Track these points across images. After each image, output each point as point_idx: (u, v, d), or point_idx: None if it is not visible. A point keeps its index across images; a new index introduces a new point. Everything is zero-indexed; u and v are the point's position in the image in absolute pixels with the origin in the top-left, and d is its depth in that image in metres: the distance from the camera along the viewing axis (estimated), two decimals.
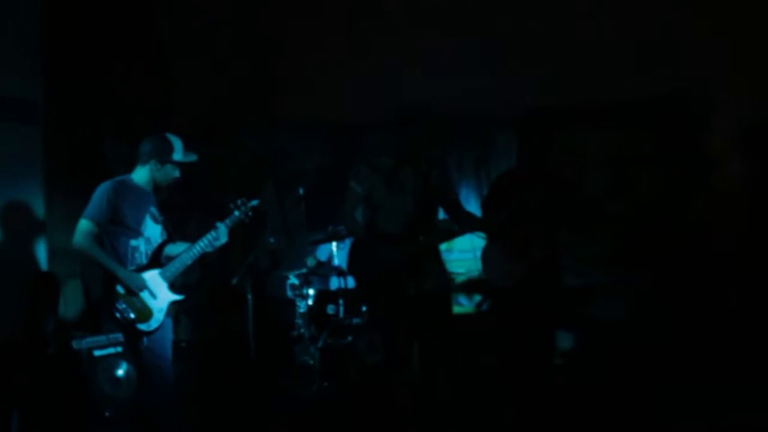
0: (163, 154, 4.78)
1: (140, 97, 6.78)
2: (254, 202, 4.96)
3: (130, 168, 4.92)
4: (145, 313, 4.73)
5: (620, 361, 6.09)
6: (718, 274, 6.34)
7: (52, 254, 6.16)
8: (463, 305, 7.00)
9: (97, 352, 5.04)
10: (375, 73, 6.92)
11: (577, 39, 6.66)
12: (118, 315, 4.66)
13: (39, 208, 6.16)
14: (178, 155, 4.81)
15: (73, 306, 6.10)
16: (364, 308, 6.18)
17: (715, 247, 6.48)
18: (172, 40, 7.17)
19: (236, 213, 4.91)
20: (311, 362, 6.10)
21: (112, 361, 5.04)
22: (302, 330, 6.25)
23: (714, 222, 6.56)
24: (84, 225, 4.66)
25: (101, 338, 5.00)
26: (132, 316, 4.69)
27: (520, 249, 5.22)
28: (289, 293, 6.42)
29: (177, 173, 4.87)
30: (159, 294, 4.80)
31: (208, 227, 4.90)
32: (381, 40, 6.97)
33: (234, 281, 6.01)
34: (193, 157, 4.88)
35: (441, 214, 5.04)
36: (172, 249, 4.92)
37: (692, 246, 6.56)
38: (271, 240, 6.36)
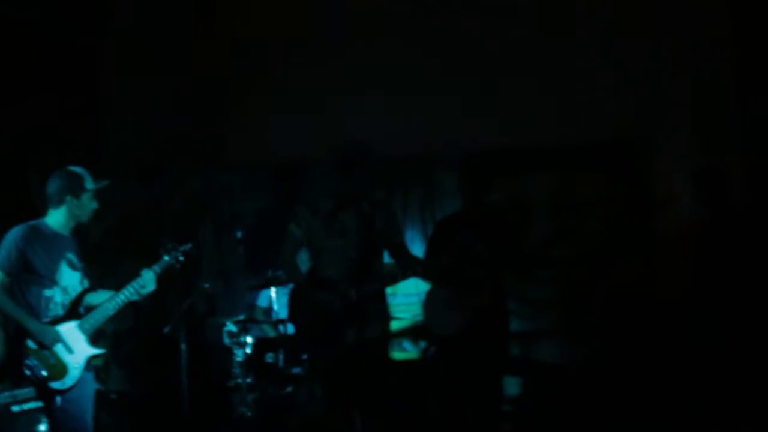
0: (75, 188, 4.46)
1: (71, 134, 6.53)
2: (186, 246, 4.69)
3: None
4: (59, 370, 4.36)
5: (568, 407, 6.03)
6: (664, 319, 6.26)
7: None
8: (408, 351, 6.82)
9: (15, 408, 4.76)
10: (317, 112, 6.82)
11: (521, 81, 6.61)
12: (28, 372, 4.31)
13: None
14: (90, 184, 4.49)
15: None
16: (304, 357, 5.98)
17: (662, 292, 6.43)
18: (107, 75, 7.01)
19: (165, 258, 4.62)
20: (249, 414, 5.88)
21: (33, 417, 4.73)
22: (239, 380, 6.01)
23: (660, 266, 6.52)
24: None
25: (21, 392, 4.68)
26: (44, 373, 4.32)
27: (463, 295, 5.09)
28: (226, 341, 6.18)
29: (95, 204, 4.54)
30: (76, 348, 4.43)
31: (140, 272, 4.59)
32: (323, 79, 6.88)
33: (166, 330, 5.74)
34: (106, 182, 4.57)
35: (386, 257, 4.90)
36: (93, 298, 4.58)
37: (638, 290, 6.51)
38: (206, 285, 6.14)
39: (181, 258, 4.65)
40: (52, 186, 4.49)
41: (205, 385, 6.20)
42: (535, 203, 6.82)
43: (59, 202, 4.48)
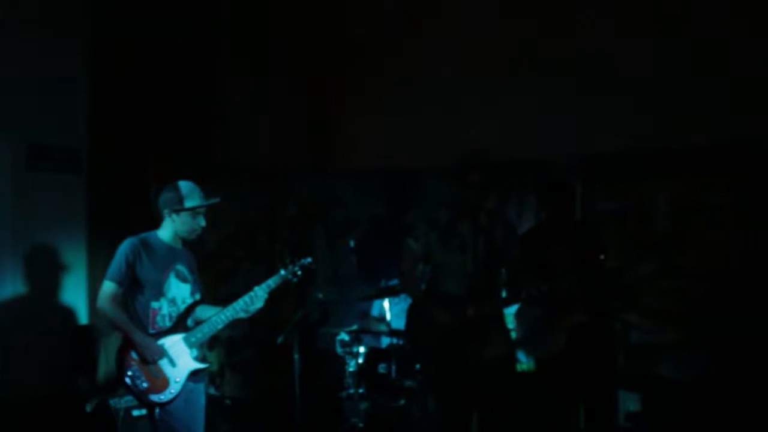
0: (173, 204, 4.46)
1: (188, 143, 6.63)
2: (306, 261, 4.63)
3: None
4: (161, 383, 4.37)
5: (689, 424, 5.76)
6: None
7: (93, 307, 5.95)
8: (522, 362, 6.64)
9: (136, 412, 4.85)
10: (431, 117, 6.72)
11: (638, 81, 6.27)
12: (129, 381, 4.32)
13: (81, 260, 6.00)
14: (190, 202, 4.45)
15: None
16: (417, 367, 5.85)
17: None
18: (224, 84, 7.06)
19: (282, 272, 4.60)
20: (360, 424, 5.81)
21: None
22: (351, 390, 5.97)
23: None
24: (105, 286, 4.39)
25: None
26: (145, 385, 4.34)
27: (557, 315, 4.88)
28: (339, 350, 6.14)
29: (201, 222, 4.50)
30: (179, 362, 4.42)
31: (258, 279, 4.57)
32: (438, 83, 6.76)
33: (280, 340, 5.73)
34: (212, 201, 4.52)
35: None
36: (202, 312, 4.58)
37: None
38: (320, 295, 6.12)
39: (300, 272, 4.61)
40: (158, 200, 4.53)
41: (318, 394, 6.16)
42: (655, 210, 6.45)
43: (165, 216, 4.52)
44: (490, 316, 4.53)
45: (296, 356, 5.74)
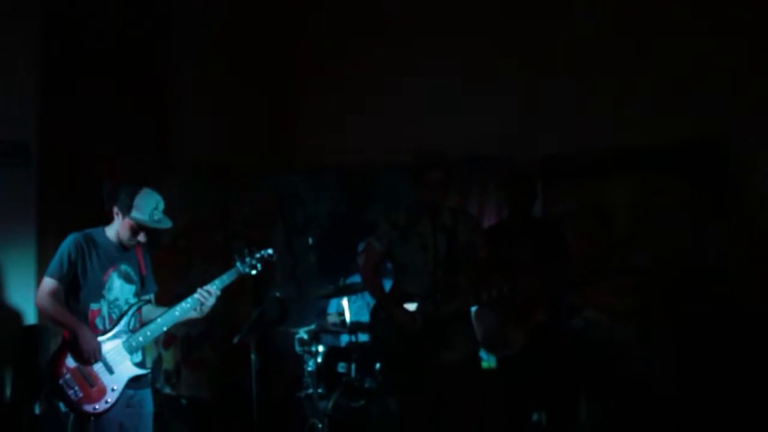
0: (122, 207, 4.21)
1: (141, 137, 6.49)
2: (267, 252, 4.45)
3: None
4: (95, 392, 4.07)
5: (648, 423, 5.79)
6: (752, 333, 5.88)
7: None
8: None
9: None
10: (391, 115, 6.67)
11: (600, 78, 6.28)
12: (60, 390, 4.04)
13: (30, 258, 5.88)
14: (137, 214, 4.17)
15: None
16: (377, 367, 5.77)
17: (751, 305, 6.00)
18: (179, 80, 6.95)
19: (238, 266, 4.40)
20: (320, 425, 5.69)
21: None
22: (310, 389, 5.84)
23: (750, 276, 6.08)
24: (45, 283, 4.15)
25: None
26: (78, 394, 4.04)
27: (516, 313, 4.83)
28: (298, 349, 5.98)
29: (141, 237, 4.24)
30: (117, 369, 4.14)
31: (212, 277, 4.37)
32: (396, 79, 6.72)
33: (236, 340, 5.61)
34: (161, 225, 4.23)
35: None
36: (150, 313, 4.34)
37: (726, 302, 6.06)
38: (277, 293, 6.02)
39: (259, 266, 4.43)
40: (112, 195, 4.32)
41: (276, 394, 6.08)
42: (612, 208, 6.42)
43: (116, 214, 4.27)
44: (455, 317, 4.46)
45: (253, 356, 5.64)
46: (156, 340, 6.44)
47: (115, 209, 4.25)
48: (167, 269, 6.30)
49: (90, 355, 4.07)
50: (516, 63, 6.48)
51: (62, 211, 5.83)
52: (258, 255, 4.44)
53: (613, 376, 6.09)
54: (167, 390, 6.60)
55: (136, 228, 4.22)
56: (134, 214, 4.19)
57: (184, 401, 6.35)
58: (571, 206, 6.23)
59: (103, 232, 4.31)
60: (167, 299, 4.50)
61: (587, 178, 6.36)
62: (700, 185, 6.31)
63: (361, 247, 5.70)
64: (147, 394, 4.32)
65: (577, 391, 5.55)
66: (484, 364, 6.36)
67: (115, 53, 6.36)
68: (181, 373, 6.71)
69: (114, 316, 4.23)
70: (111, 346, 4.16)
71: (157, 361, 6.59)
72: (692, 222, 6.26)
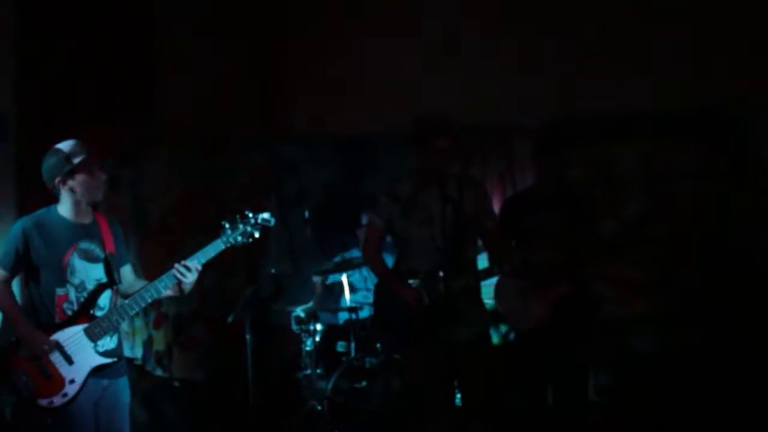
0: (61, 168, 3.82)
1: (127, 108, 6.22)
2: (263, 216, 4.03)
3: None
4: (51, 384, 3.73)
5: (662, 397, 5.69)
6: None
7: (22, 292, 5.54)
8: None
9: None
10: (390, 80, 6.48)
11: (607, 41, 6.12)
12: (13, 383, 3.71)
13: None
14: (78, 158, 3.81)
15: None
16: (378, 346, 5.65)
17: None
18: (165, 47, 6.70)
19: (222, 237, 3.97)
20: (319, 407, 5.57)
21: None
22: (308, 370, 5.71)
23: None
24: None
25: None
26: (32, 387, 3.72)
27: (539, 285, 4.71)
28: (294, 327, 5.84)
29: (101, 176, 3.87)
30: (77, 358, 3.78)
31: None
32: (396, 44, 6.52)
33: (230, 319, 5.42)
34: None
35: None
36: (130, 289, 3.99)
37: (743, 271, 5.96)
38: (272, 270, 5.87)
39: (256, 233, 4.01)
40: (43, 172, 3.92)
41: (273, 375, 5.97)
42: (624, 177, 6.29)
43: (58, 188, 3.89)
44: (464, 292, 4.30)
45: (248, 336, 5.48)
46: (146, 321, 6.28)
47: (56, 180, 3.88)
48: (158, 245, 6.12)
49: (35, 350, 3.75)
50: (522, 25, 6.32)
51: (45, 188, 5.54)
52: (253, 220, 4.02)
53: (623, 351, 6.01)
54: (159, 372, 6.47)
55: (89, 172, 3.84)
56: (76, 159, 3.82)
57: (176, 383, 6.25)
58: (583, 173, 6.07)
59: (56, 210, 3.95)
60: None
61: (599, 143, 6.23)
62: (718, 150, 6.18)
63: (364, 220, 5.57)
64: (123, 383, 3.98)
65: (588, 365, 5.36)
66: (495, 341, 6.29)
67: (97, 16, 6.07)
68: (173, 355, 6.56)
69: (83, 300, 3.89)
70: (70, 333, 3.81)
71: (148, 342, 6.46)
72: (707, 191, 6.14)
